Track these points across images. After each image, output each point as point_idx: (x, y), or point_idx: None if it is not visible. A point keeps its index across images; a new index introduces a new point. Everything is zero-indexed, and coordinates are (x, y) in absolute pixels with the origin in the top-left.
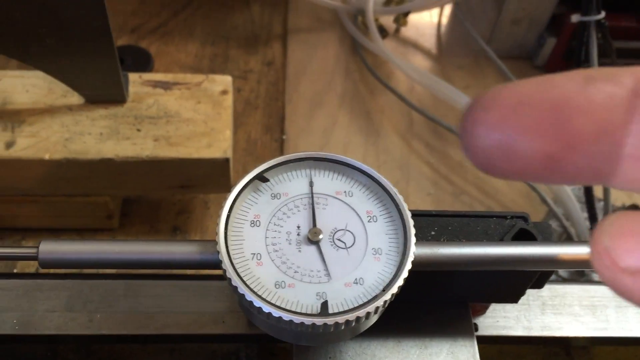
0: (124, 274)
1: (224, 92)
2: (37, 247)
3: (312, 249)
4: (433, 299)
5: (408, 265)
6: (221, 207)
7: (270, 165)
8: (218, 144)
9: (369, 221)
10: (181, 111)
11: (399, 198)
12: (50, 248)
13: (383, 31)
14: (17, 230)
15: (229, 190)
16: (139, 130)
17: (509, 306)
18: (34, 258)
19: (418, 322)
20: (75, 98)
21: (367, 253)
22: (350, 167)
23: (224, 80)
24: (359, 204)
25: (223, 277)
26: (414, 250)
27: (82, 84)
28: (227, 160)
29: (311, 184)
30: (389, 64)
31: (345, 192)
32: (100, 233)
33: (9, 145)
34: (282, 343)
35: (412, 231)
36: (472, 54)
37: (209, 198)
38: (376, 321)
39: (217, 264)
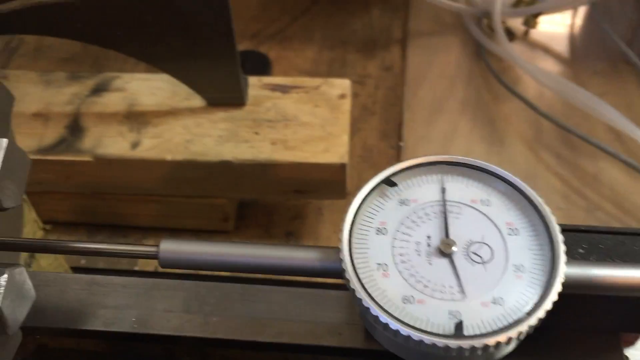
0: (239, 277)
1: (342, 96)
2: (158, 246)
3: (444, 262)
4: (576, 326)
5: (557, 287)
6: (345, 211)
7: (399, 168)
8: (335, 149)
9: (509, 234)
10: (299, 115)
11: (546, 209)
12: (171, 247)
13: (510, 34)
14: (138, 228)
15: (343, 197)
16: (257, 133)
17: None
18: (154, 257)
19: (560, 351)
20: (197, 101)
21: (507, 270)
22: (488, 173)
23: (343, 84)
24: (497, 215)
25: (342, 287)
26: (564, 270)
27: (204, 86)
28: (343, 165)
29: (443, 191)
30: (516, 69)
31: (481, 200)
32: (215, 235)
33: (135, 145)
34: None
35: (562, 248)
36: (609, 58)
37: (322, 204)
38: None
39: (339, 273)
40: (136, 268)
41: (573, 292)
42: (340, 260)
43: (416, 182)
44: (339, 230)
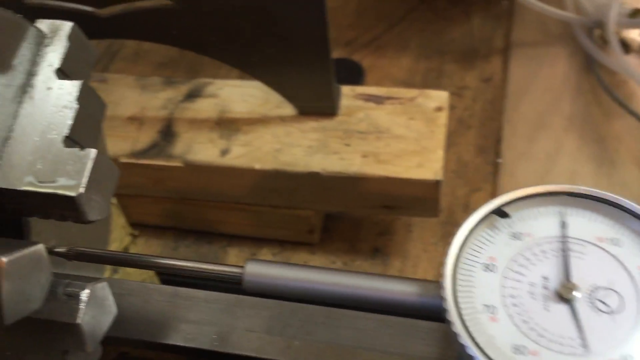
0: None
1: (439, 109)
2: (243, 267)
3: (564, 309)
4: None
5: None
6: (449, 243)
7: (512, 198)
8: (429, 165)
9: None
10: (392, 127)
11: None
12: (257, 270)
13: (626, 46)
14: (224, 235)
15: (436, 215)
16: (347, 145)
17: None
18: (238, 280)
19: None
20: (288, 109)
21: (639, 323)
22: (619, 207)
23: (440, 96)
24: (629, 257)
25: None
26: None
27: (296, 94)
28: (438, 182)
29: (564, 225)
30: (631, 84)
31: (610, 239)
32: (300, 246)
33: (224, 152)
34: None
35: None
36: None
37: (412, 221)
38: None
39: (439, 312)
40: None
41: None
42: (442, 299)
43: (532, 214)
44: (441, 263)
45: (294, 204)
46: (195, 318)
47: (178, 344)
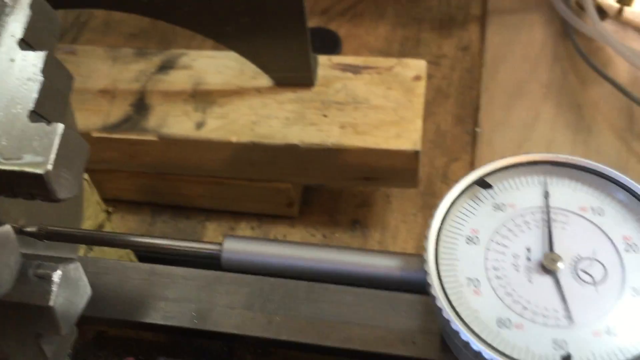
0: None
1: (417, 78)
2: (221, 245)
3: (547, 280)
4: None
5: None
6: (431, 216)
7: (494, 168)
8: (408, 135)
9: (626, 250)
10: (370, 97)
11: None
12: (235, 247)
13: (602, 12)
14: (201, 210)
15: (415, 185)
16: (325, 116)
17: None
18: (216, 257)
19: None
20: (264, 80)
21: (623, 293)
22: (602, 176)
23: (418, 65)
24: (612, 227)
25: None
26: None
27: (272, 65)
28: (416, 153)
29: (547, 195)
30: (607, 50)
31: (593, 209)
32: (279, 220)
33: (200, 125)
34: None
35: None
36: None
37: (390, 192)
38: None
39: (422, 284)
40: None
41: None
42: (425, 273)
43: (514, 184)
44: (420, 234)
45: (272, 177)
46: (173, 296)
47: (157, 322)
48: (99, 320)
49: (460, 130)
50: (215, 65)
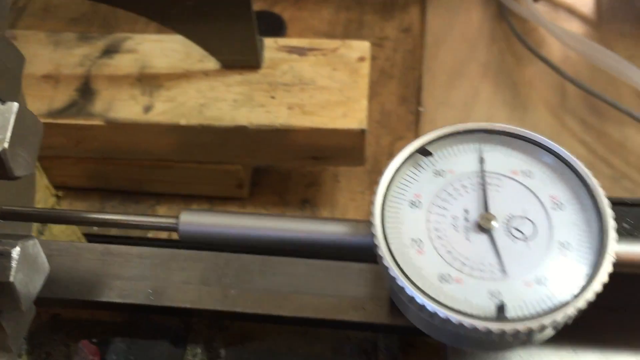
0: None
1: (361, 59)
2: (177, 218)
3: (483, 238)
4: (617, 304)
5: (607, 267)
6: (377, 183)
7: (434, 137)
8: (354, 114)
9: (553, 208)
10: (316, 78)
11: (594, 182)
12: (191, 219)
13: None
14: (151, 195)
15: (362, 163)
16: (273, 97)
17: None
18: (173, 229)
19: (598, 328)
20: (211, 63)
21: (551, 247)
22: (530, 142)
23: (362, 46)
24: (540, 187)
25: (365, 259)
26: (614, 249)
27: (218, 48)
28: (362, 131)
29: (482, 161)
30: (540, 31)
31: (523, 172)
32: (230, 202)
33: (148, 109)
34: (426, 337)
35: (612, 224)
36: (637, 19)
37: (338, 171)
38: None
39: (370, 249)
40: (150, 235)
41: (621, 271)
42: (372, 235)
43: (452, 152)
44: (369, 210)
45: (221, 159)
46: (129, 274)
47: (113, 300)
48: (55, 302)
49: (404, 109)
50: (161, 48)
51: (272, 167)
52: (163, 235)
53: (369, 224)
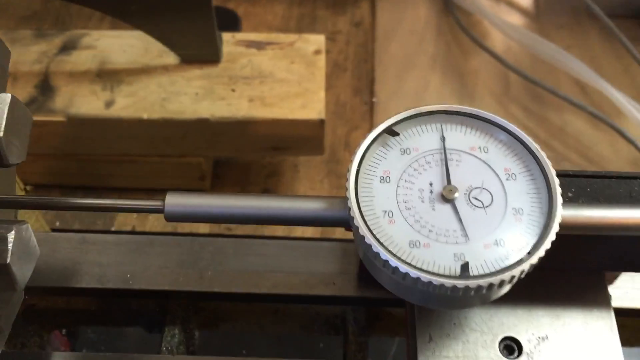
0: (233, 234)
1: (317, 52)
2: (163, 200)
3: (447, 207)
4: (567, 266)
5: (555, 228)
6: (350, 161)
7: (400, 118)
8: (312, 105)
9: (507, 179)
10: (275, 71)
11: (542, 155)
12: (176, 201)
13: None
14: (114, 189)
15: (321, 152)
16: (233, 90)
17: (638, 276)
18: (159, 211)
19: (549, 289)
20: (171, 58)
21: (506, 213)
22: (486, 121)
23: (317, 40)
24: (495, 161)
25: (334, 239)
26: (560, 212)
27: (178, 43)
28: (321, 121)
29: (443, 139)
30: (484, 23)
31: (480, 147)
32: None
33: (109, 104)
34: (390, 308)
35: (559, 191)
36: (573, 11)
37: (298, 161)
38: None
39: (346, 221)
40: (113, 229)
41: (567, 233)
42: (348, 209)
43: (417, 132)
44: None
45: (184, 152)
46: (107, 261)
47: (92, 286)
48: (33, 290)
49: (358, 101)
50: (120, 44)
51: (233, 159)
52: (127, 228)
53: (344, 199)
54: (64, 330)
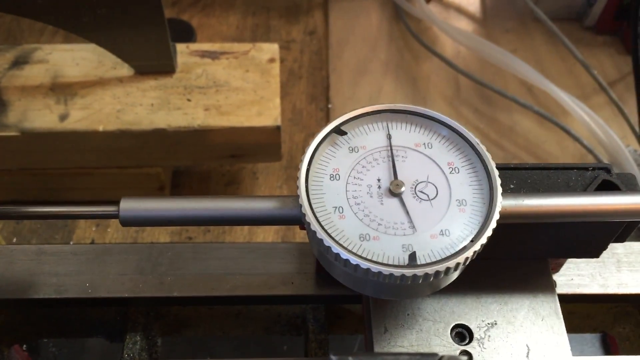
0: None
1: (272, 60)
2: (118, 205)
3: (395, 201)
4: (512, 255)
5: (496, 216)
6: (300, 160)
7: (348, 118)
8: (268, 112)
9: (450, 173)
10: (230, 80)
11: (482, 148)
12: (131, 205)
13: None
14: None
15: (279, 159)
16: (189, 100)
17: (583, 264)
18: (114, 216)
19: (496, 278)
20: (124, 70)
21: (451, 204)
22: (429, 118)
23: (271, 48)
24: (439, 156)
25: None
26: (500, 201)
27: (132, 54)
28: (278, 128)
29: (389, 137)
30: (433, 29)
31: (424, 144)
32: None
33: (63, 117)
34: (349, 305)
35: (498, 181)
36: (518, 16)
37: (257, 168)
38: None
39: (299, 219)
40: (72, 243)
41: (508, 222)
42: (300, 206)
43: (364, 130)
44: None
45: (141, 163)
46: (64, 271)
47: (50, 296)
48: None
49: (314, 107)
50: (72, 57)
51: (192, 168)
52: (87, 241)
53: (296, 197)
54: (24, 345)
